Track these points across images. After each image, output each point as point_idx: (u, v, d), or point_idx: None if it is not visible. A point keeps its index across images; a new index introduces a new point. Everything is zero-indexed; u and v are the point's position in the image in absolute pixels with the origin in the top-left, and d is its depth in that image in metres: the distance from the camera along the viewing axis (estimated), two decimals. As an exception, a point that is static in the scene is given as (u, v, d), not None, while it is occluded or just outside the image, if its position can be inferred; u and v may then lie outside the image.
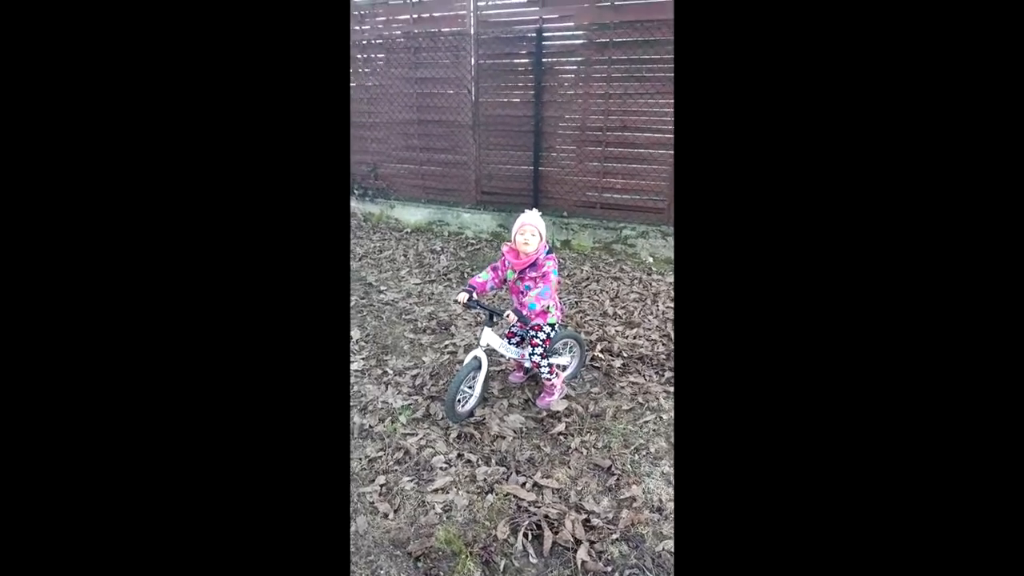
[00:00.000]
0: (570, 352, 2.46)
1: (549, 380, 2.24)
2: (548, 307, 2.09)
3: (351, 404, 2.30)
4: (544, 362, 2.19)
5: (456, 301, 2.15)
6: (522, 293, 2.13)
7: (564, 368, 2.46)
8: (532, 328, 2.15)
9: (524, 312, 2.05)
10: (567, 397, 2.33)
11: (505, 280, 2.20)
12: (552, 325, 2.17)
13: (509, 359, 2.39)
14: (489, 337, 2.14)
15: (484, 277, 2.17)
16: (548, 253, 2.11)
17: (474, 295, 2.13)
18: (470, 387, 2.16)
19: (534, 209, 2.15)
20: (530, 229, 2.05)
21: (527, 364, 2.26)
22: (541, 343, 2.17)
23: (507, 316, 2.05)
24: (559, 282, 3.67)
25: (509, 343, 2.30)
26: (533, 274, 2.09)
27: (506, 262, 2.15)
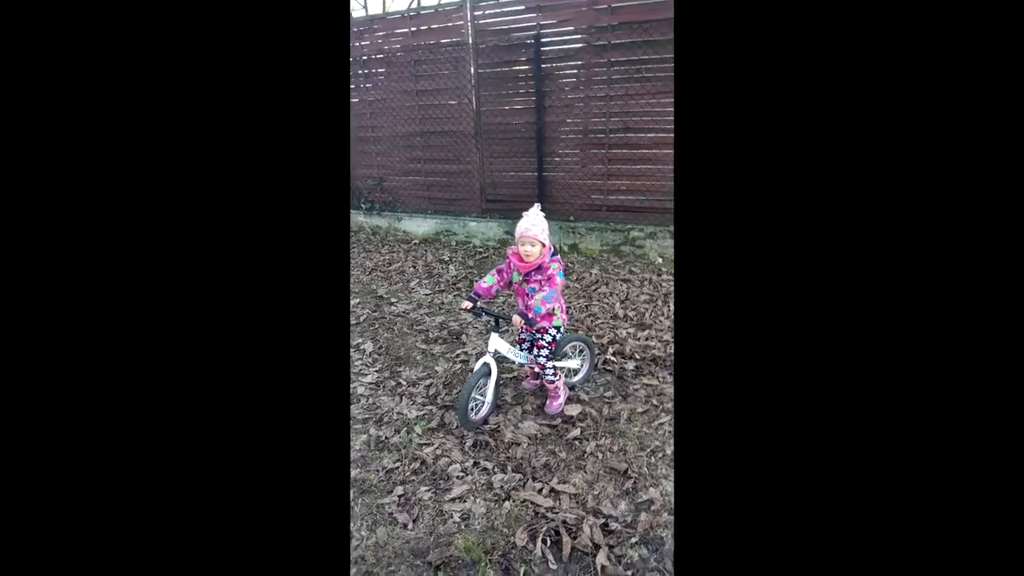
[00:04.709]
0: (580, 355, 2.46)
1: (552, 383, 2.24)
2: (553, 309, 2.11)
3: (367, 417, 2.32)
4: (550, 364, 2.20)
5: (462, 309, 2.17)
6: (527, 295, 2.13)
7: (576, 372, 2.46)
8: (538, 331, 2.16)
9: (530, 315, 2.06)
10: (580, 401, 2.33)
11: (511, 282, 2.20)
12: (557, 327, 2.18)
13: (522, 366, 2.39)
14: (497, 343, 2.16)
15: (490, 281, 2.18)
16: (553, 256, 2.10)
17: (479, 303, 2.15)
18: (481, 394, 2.17)
19: (536, 206, 2.11)
20: (530, 240, 2.02)
21: (535, 368, 2.27)
22: (547, 345, 2.18)
23: (514, 320, 2.06)
24: (565, 285, 3.67)
25: (520, 349, 2.31)
26: (539, 277, 2.09)
27: (511, 264, 2.15)
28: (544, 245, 2.06)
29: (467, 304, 2.15)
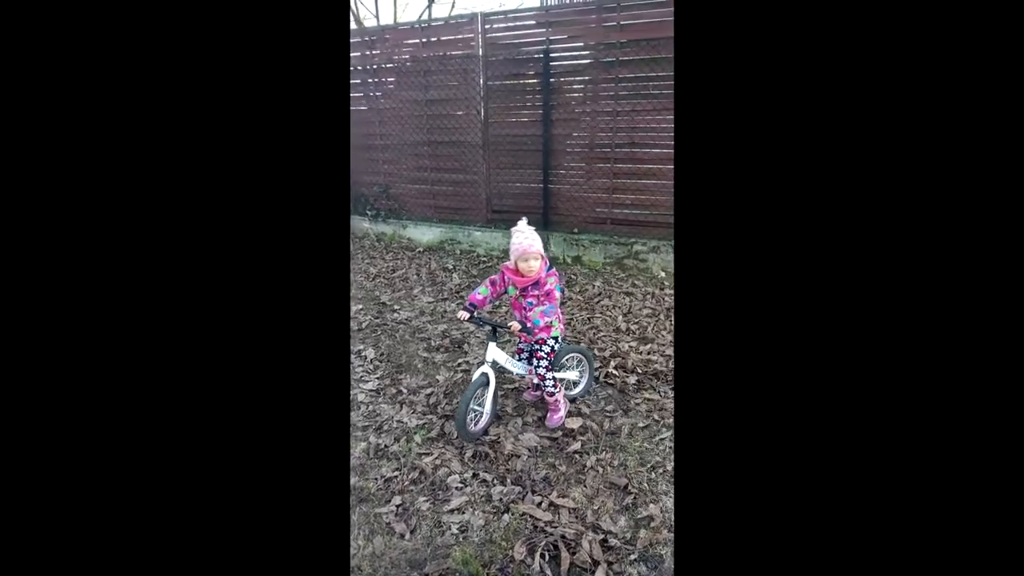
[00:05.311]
0: (579, 367, 2.45)
1: (552, 395, 2.23)
2: (552, 322, 2.11)
3: (367, 424, 2.32)
4: (549, 375, 2.19)
5: (459, 319, 2.17)
6: (525, 309, 2.13)
7: (576, 384, 2.46)
8: (536, 342, 2.16)
9: (528, 325, 2.06)
10: (581, 415, 2.32)
11: (504, 292, 2.19)
12: (555, 338, 2.18)
13: (521, 377, 2.39)
14: (495, 353, 2.15)
15: (483, 292, 2.16)
16: (549, 269, 2.10)
17: (475, 313, 2.15)
18: (479, 405, 2.16)
19: (523, 220, 2.10)
20: (533, 255, 2.02)
21: (535, 379, 2.26)
22: (546, 355, 2.18)
23: (511, 326, 2.05)
24: (567, 296, 3.70)
25: (518, 359, 2.30)
26: (536, 292, 2.09)
27: (506, 278, 2.14)
28: (543, 258, 2.07)
29: (464, 315, 2.13)
